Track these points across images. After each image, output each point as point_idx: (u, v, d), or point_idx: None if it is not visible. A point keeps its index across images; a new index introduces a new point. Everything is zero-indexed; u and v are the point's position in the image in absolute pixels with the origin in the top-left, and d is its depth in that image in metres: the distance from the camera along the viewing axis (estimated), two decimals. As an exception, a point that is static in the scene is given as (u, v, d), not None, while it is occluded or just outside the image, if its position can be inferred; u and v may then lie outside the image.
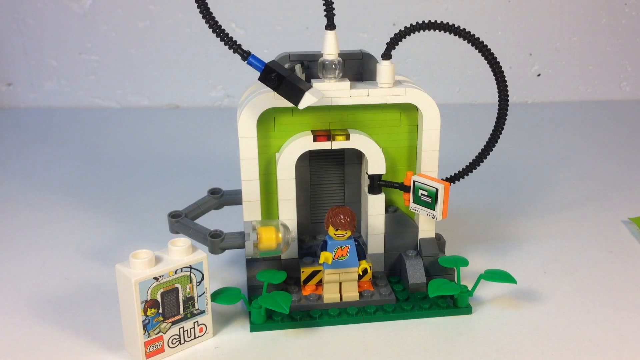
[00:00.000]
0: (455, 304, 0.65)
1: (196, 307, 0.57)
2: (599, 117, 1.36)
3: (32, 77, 1.39)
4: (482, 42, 0.65)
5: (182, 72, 1.39)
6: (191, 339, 0.58)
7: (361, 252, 0.64)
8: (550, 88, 1.46)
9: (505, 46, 1.41)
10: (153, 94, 1.39)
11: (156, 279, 0.54)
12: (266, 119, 0.64)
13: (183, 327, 0.57)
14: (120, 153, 1.12)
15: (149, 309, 0.54)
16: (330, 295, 0.65)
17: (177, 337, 0.57)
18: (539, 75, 1.45)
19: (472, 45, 0.65)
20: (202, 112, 1.36)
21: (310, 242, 0.72)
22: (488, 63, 0.66)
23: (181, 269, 0.56)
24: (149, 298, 0.54)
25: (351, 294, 0.65)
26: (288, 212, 0.66)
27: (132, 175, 1.02)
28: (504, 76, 0.66)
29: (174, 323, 0.57)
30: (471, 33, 0.64)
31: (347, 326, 0.63)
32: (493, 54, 0.65)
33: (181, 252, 0.56)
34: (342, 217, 0.61)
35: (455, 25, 0.63)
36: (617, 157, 1.11)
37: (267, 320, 0.63)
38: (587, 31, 1.43)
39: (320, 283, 0.66)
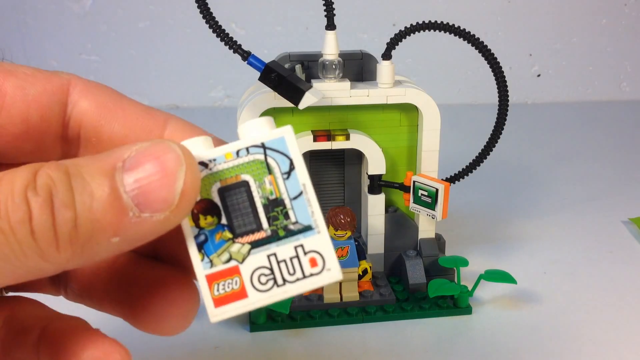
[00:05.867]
0: (456, 304, 0.65)
1: (292, 219, 0.33)
2: (599, 117, 1.36)
3: (32, 77, 1.39)
4: (482, 42, 0.65)
5: (182, 72, 1.39)
6: (296, 279, 0.33)
7: (361, 252, 0.64)
8: (550, 88, 1.46)
9: (505, 46, 1.41)
10: (153, 94, 1.39)
11: (204, 164, 0.33)
12: (266, 119, 0.64)
13: (276, 255, 0.33)
14: (120, 153, 1.12)
15: (201, 216, 0.33)
16: (330, 295, 0.65)
17: (268, 271, 0.33)
18: (538, 75, 1.45)
19: (472, 45, 0.65)
20: (202, 112, 1.36)
21: (310, 242, 0.72)
22: (488, 63, 0.66)
23: (246, 149, 0.33)
24: (198, 197, 0.33)
25: (351, 294, 0.65)
26: (288, 212, 0.66)
27: (132, 175, 1.02)
28: (504, 76, 0.66)
29: (254, 245, 0.33)
30: (471, 33, 0.64)
31: (347, 326, 0.63)
32: (493, 54, 0.65)
33: (252, 126, 0.34)
34: (342, 217, 0.61)
35: (456, 26, 0.64)
36: (617, 157, 1.11)
37: (267, 320, 0.63)
38: (587, 31, 1.43)
39: (320, 283, 0.66)
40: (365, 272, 0.65)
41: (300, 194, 0.33)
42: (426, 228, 0.69)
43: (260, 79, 0.59)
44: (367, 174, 0.67)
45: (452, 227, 0.83)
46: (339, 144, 0.65)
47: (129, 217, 0.28)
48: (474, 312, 0.65)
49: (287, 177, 0.33)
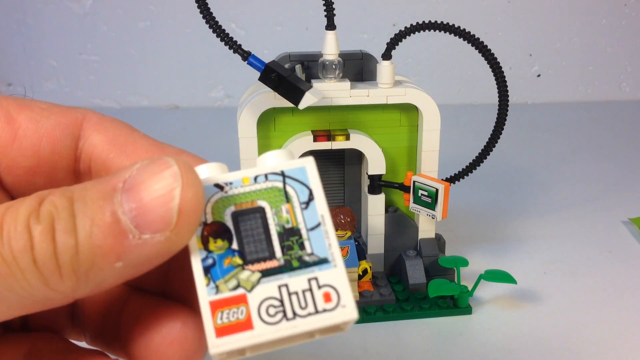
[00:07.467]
0: (456, 304, 0.65)
1: (308, 250, 0.32)
2: (599, 117, 1.36)
3: (32, 77, 1.39)
4: (482, 42, 0.65)
5: (182, 72, 1.39)
6: (308, 314, 0.31)
7: (361, 252, 0.64)
8: (550, 88, 1.46)
9: (505, 47, 1.41)
10: (153, 94, 1.39)
11: (219, 187, 0.32)
12: (266, 119, 0.64)
13: (287, 286, 0.31)
14: (120, 153, 1.12)
15: (211, 239, 0.31)
16: (330, 295, 0.64)
17: (278, 303, 0.31)
18: (539, 75, 1.45)
19: (472, 45, 0.65)
20: (202, 112, 1.36)
21: (310, 242, 0.72)
22: (488, 63, 0.66)
23: (265, 175, 0.32)
24: (209, 220, 0.31)
25: (351, 294, 0.65)
26: (288, 212, 0.66)
27: (132, 176, 1.02)
28: (504, 77, 0.66)
29: (265, 274, 0.31)
30: (471, 33, 0.64)
31: (347, 326, 0.63)
32: (493, 54, 0.65)
33: (273, 156, 0.33)
34: (342, 217, 0.61)
35: (455, 26, 0.64)
36: (616, 158, 1.11)
37: (267, 320, 0.63)
38: (587, 31, 1.43)
39: (320, 283, 0.66)
40: (365, 272, 0.65)
41: (318, 225, 0.32)
42: (426, 228, 0.69)
43: (260, 79, 0.59)
44: (367, 174, 0.67)
45: (452, 227, 0.83)
46: (339, 144, 0.65)
47: (129, 239, 0.27)
48: (474, 312, 0.65)
49: (306, 207, 0.32)
